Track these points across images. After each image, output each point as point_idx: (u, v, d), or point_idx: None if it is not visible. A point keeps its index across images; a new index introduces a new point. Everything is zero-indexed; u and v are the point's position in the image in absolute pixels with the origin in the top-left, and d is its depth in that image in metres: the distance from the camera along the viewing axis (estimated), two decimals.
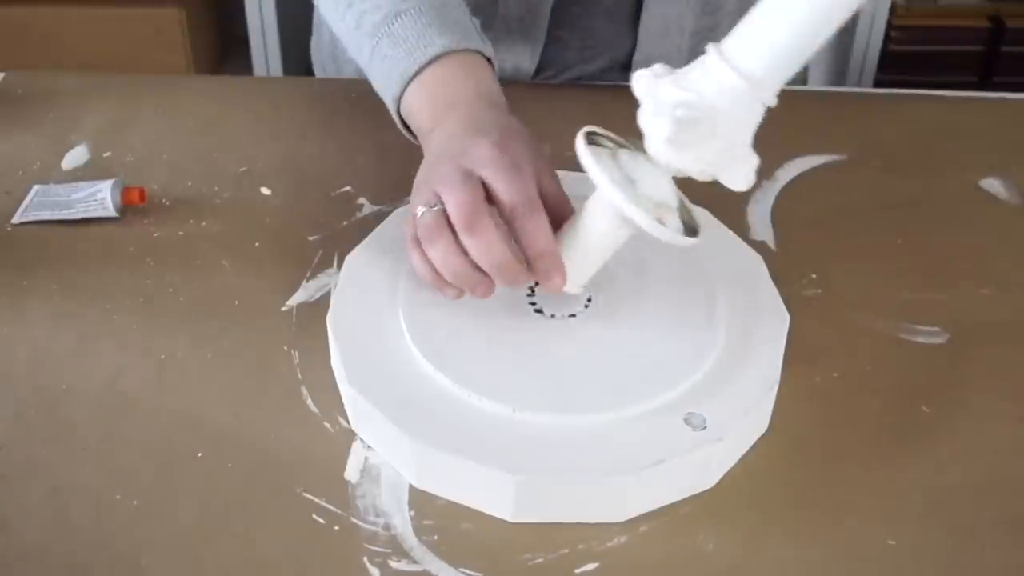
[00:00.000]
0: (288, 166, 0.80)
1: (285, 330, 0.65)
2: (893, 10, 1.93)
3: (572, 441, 0.54)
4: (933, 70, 1.96)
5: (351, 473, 0.56)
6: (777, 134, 0.84)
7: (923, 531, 0.54)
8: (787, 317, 0.62)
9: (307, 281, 0.69)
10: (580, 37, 0.89)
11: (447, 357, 0.58)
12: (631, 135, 0.55)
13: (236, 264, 0.70)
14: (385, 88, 0.69)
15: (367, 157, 0.80)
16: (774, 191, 0.78)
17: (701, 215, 0.69)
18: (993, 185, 0.79)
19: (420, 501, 0.55)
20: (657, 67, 0.53)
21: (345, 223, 0.74)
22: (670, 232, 0.54)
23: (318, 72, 1.04)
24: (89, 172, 0.79)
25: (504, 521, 0.54)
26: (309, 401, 0.60)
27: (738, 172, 0.53)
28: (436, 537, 0.53)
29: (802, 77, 1.04)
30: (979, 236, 0.74)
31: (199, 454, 0.57)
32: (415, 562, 0.52)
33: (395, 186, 0.75)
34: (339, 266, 0.67)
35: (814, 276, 0.70)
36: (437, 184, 0.58)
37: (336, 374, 0.60)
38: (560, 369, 0.58)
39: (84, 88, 0.89)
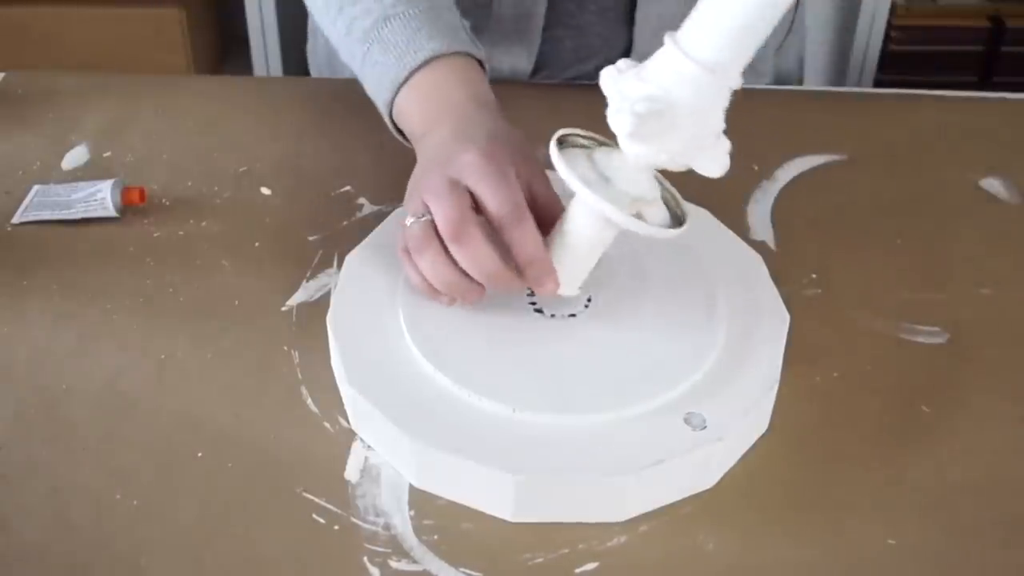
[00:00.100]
0: (288, 166, 0.80)
1: (285, 330, 0.65)
2: (893, 10, 1.93)
3: (572, 441, 0.54)
4: (933, 70, 1.96)
5: (351, 473, 0.56)
6: (777, 134, 0.85)
7: (923, 531, 0.54)
8: (787, 317, 0.62)
9: (307, 281, 0.69)
10: (575, 36, 0.89)
11: (447, 357, 0.58)
12: None
13: (236, 264, 0.70)
14: (377, 94, 0.69)
15: (367, 157, 0.80)
16: (774, 191, 0.78)
17: (698, 212, 0.69)
18: (993, 185, 0.79)
19: (420, 501, 0.55)
20: (621, 62, 0.53)
21: (345, 223, 0.74)
22: (648, 226, 0.54)
23: (315, 76, 1.04)
24: (89, 172, 0.79)
25: (504, 521, 0.54)
26: (309, 401, 0.60)
27: (710, 159, 0.53)
28: (436, 537, 0.53)
29: (798, 77, 1.04)
30: (979, 236, 0.74)
31: (199, 454, 0.57)
32: (415, 562, 0.52)
33: (395, 186, 0.74)
34: (339, 266, 0.67)
35: (814, 276, 0.70)
36: (424, 194, 0.58)
37: (336, 374, 0.60)
38: (560, 369, 0.58)
39: (84, 88, 0.89)
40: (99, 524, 0.54)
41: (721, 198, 0.72)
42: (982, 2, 1.98)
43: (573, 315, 0.61)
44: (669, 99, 0.51)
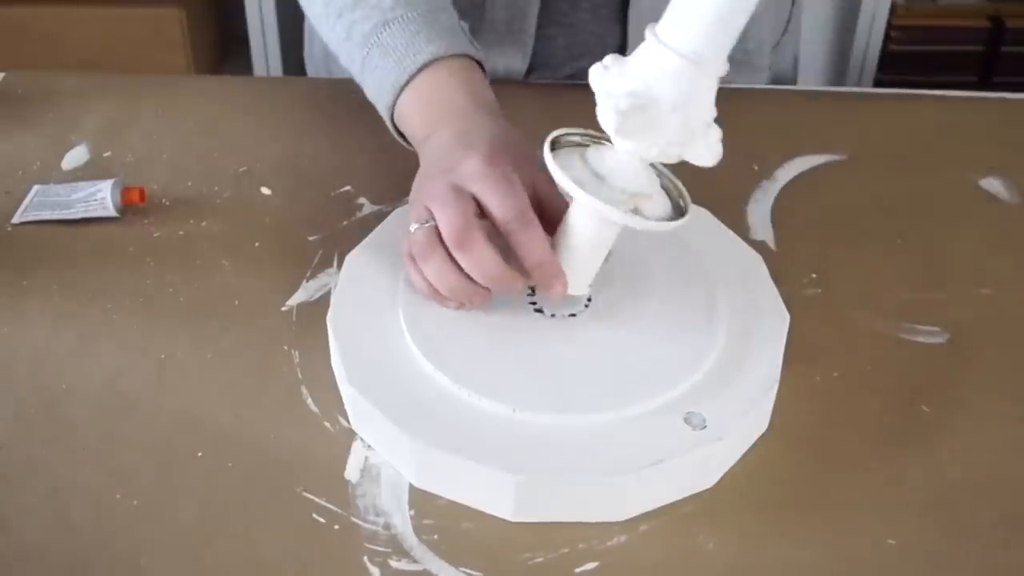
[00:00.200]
0: (288, 166, 0.80)
1: (285, 330, 0.65)
2: (893, 10, 1.93)
3: (572, 441, 0.54)
4: (933, 70, 1.96)
5: (351, 473, 0.56)
6: (777, 134, 0.85)
7: (923, 531, 0.54)
8: (787, 317, 0.62)
9: (307, 281, 0.69)
10: (568, 34, 0.89)
11: (447, 357, 0.58)
12: None
13: (236, 264, 0.70)
14: (378, 98, 0.69)
15: (367, 157, 0.80)
16: (774, 191, 0.78)
17: (698, 212, 0.69)
18: (993, 185, 0.79)
19: (420, 500, 0.55)
20: (608, 59, 0.53)
21: (345, 223, 0.74)
22: (645, 221, 0.54)
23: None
24: (89, 172, 0.79)
25: (504, 520, 0.54)
26: (309, 401, 0.60)
27: (702, 148, 0.53)
28: (436, 536, 0.53)
29: (792, 77, 1.03)
30: (979, 236, 0.74)
31: (199, 454, 0.57)
32: (415, 561, 0.52)
33: (395, 186, 0.75)
34: (339, 266, 0.67)
35: (814, 276, 0.70)
36: (428, 200, 0.58)
37: (336, 374, 0.60)
38: (560, 369, 0.58)
39: (84, 88, 0.89)
40: (99, 524, 0.54)
41: (721, 198, 0.72)
42: (982, 2, 1.98)
43: (573, 315, 0.61)
44: (651, 93, 0.51)
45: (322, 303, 0.66)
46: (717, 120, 0.53)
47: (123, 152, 0.81)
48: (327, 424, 0.59)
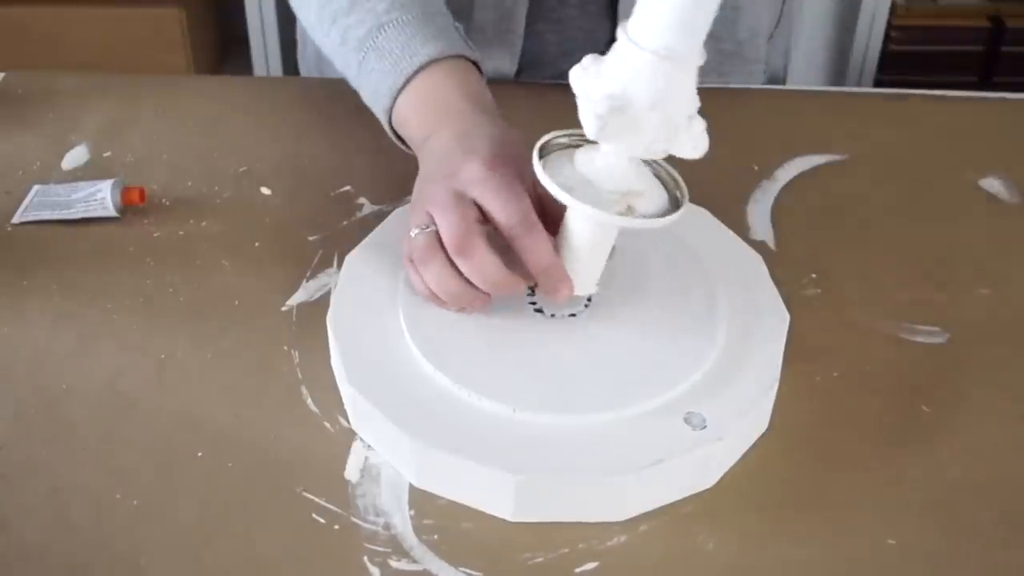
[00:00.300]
0: (288, 166, 0.80)
1: (285, 330, 0.65)
2: (893, 10, 1.93)
3: (572, 441, 0.54)
4: (933, 70, 1.96)
5: (351, 473, 0.56)
6: (777, 134, 0.85)
7: (923, 531, 0.54)
8: (787, 317, 0.62)
9: (307, 281, 0.69)
10: (557, 31, 0.89)
11: (447, 357, 0.58)
12: None
13: (236, 264, 0.70)
14: (375, 101, 0.69)
15: (367, 157, 0.80)
16: (774, 191, 0.78)
17: (698, 212, 0.69)
18: (993, 185, 0.79)
19: (420, 500, 0.55)
20: (586, 60, 0.53)
21: (345, 223, 0.74)
22: (636, 220, 0.54)
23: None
24: (89, 172, 0.79)
25: (504, 520, 0.54)
26: (309, 401, 0.60)
27: (686, 142, 0.53)
28: (436, 536, 0.53)
29: (782, 73, 1.02)
30: (979, 236, 0.74)
31: (199, 454, 0.57)
32: (415, 561, 0.52)
33: (395, 186, 0.75)
34: (339, 266, 0.67)
35: (814, 276, 0.70)
36: (429, 206, 0.59)
37: (336, 374, 0.60)
38: (560, 369, 0.58)
39: (84, 88, 0.89)
40: (99, 524, 0.54)
41: (721, 198, 0.72)
42: (982, 2, 1.98)
43: (573, 315, 0.61)
44: (627, 94, 0.51)
45: (322, 303, 0.66)
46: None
47: (123, 152, 0.81)
48: (327, 424, 0.59)
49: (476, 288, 0.58)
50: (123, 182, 0.75)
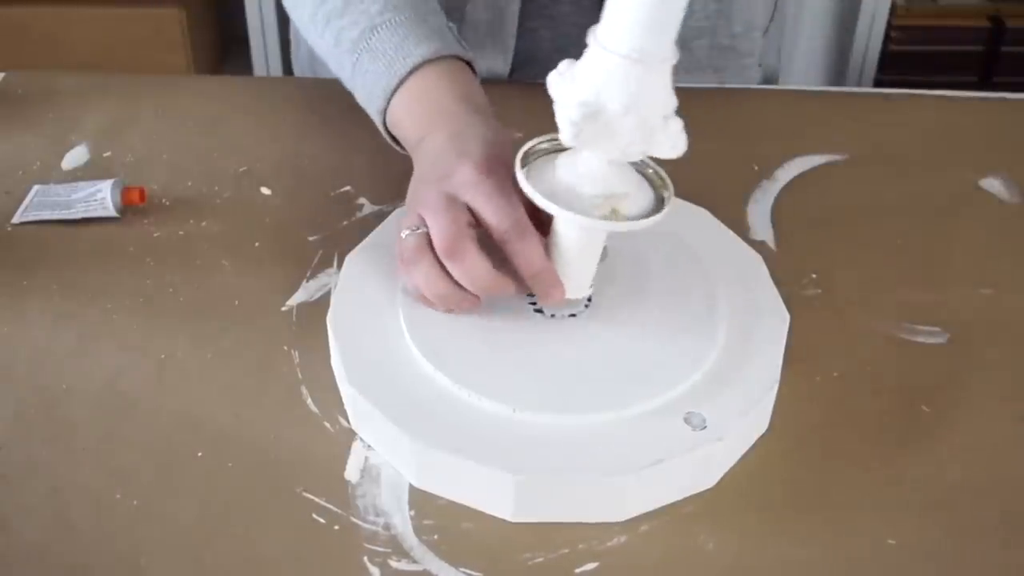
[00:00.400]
0: (288, 166, 0.80)
1: (285, 330, 0.65)
2: (893, 10, 1.93)
3: (572, 441, 0.54)
4: (933, 70, 1.96)
5: (351, 473, 0.56)
6: (777, 134, 0.85)
7: (923, 531, 0.54)
8: (787, 317, 0.62)
9: (307, 281, 0.69)
10: (550, 27, 0.89)
11: (447, 357, 0.58)
12: None
13: (236, 264, 0.70)
14: (369, 103, 0.69)
15: (367, 157, 0.80)
16: (774, 191, 0.78)
17: (698, 212, 0.69)
18: (993, 185, 0.79)
19: (420, 501, 0.55)
20: (562, 65, 0.53)
21: (345, 223, 0.74)
22: (621, 223, 0.54)
23: None
24: (89, 172, 0.79)
25: (504, 521, 0.54)
26: (309, 401, 0.60)
27: (663, 142, 0.52)
28: (436, 537, 0.53)
29: (775, 70, 1.02)
30: (979, 236, 0.74)
31: (199, 454, 0.57)
32: (415, 562, 0.52)
33: (395, 186, 0.75)
34: (339, 266, 0.67)
35: (814, 276, 0.70)
36: (421, 208, 0.59)
37: (336, 374, 0.60)
38: (560, 369, 0.58)
39: (84, 88, 0.89)
40: (99, 524, 0.54)
41: (721, 198, 0.72)
42: (982, 2, 1.98)
43: (573, 315, 0.61)
44: (600, 100, 0.51)
45: (322, 303, 0.66)
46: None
47: (123, 152, 0.81)
48: (327, 424, 0.59)
49: (464, 290, 0.58)
50: (123, 182, 0.75)
